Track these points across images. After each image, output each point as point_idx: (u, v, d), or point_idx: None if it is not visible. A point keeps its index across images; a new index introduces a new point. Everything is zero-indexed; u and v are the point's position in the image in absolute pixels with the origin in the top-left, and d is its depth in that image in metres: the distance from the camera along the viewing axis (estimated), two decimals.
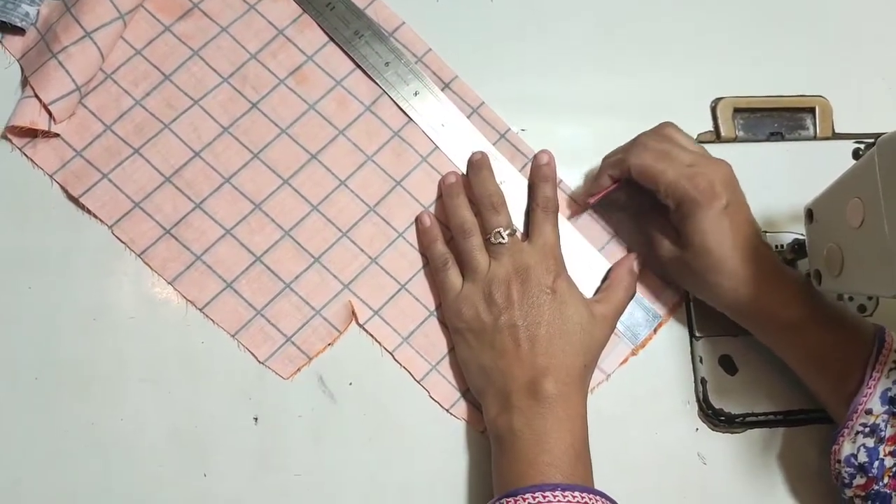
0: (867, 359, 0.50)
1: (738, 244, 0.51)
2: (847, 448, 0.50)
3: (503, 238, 0.54)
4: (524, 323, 0.51)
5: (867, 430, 0.49)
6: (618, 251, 0.59)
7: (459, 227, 0.55)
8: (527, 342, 0.51)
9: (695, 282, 0.54)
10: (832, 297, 0.56)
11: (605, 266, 0.59)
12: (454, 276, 0.55)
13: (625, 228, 0.60)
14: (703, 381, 0.58)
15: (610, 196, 0.57)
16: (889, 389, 0.49)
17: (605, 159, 0.58)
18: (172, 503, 0.53)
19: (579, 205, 0.60)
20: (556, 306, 0.52)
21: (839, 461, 0.50)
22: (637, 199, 0.57)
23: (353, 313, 0.56)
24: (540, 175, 0.57)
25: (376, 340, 0.56)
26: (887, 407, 0.49)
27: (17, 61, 0.58)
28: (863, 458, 0.49)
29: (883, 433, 0.49)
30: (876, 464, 0.48)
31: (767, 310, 0.52)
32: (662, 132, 0.55)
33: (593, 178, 0.57)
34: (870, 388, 0.50)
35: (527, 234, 0.57)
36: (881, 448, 0.48)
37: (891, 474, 0.48)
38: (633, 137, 0.56)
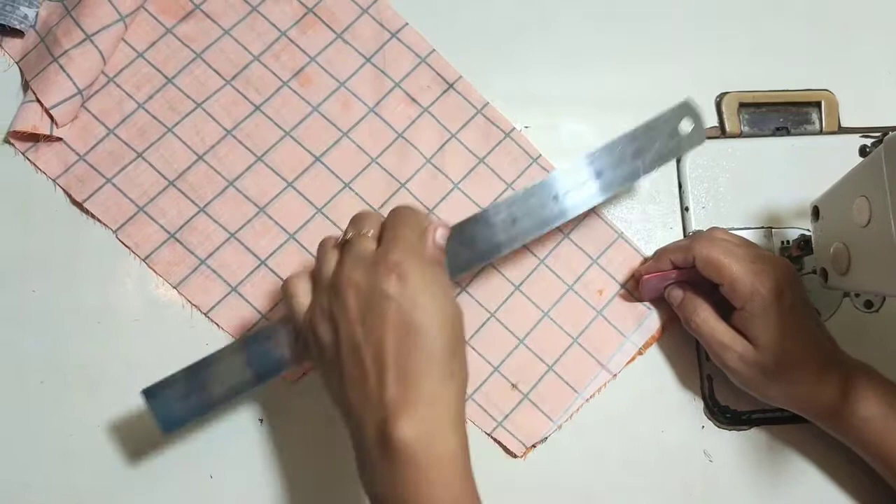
0: None
1: (809, 342, 0.51)
2: None
3: (349, 235, 0.45)
4: (365, 340, 0.41)
5: None
6: (616, 255, 0.59)
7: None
8: (373, 367, 0.40)
9: (767, 385, 0.52)
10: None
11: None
12: (301, 300, 0.46)
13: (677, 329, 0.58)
14: (709, 379, 0.58)
15: (666, 291, 0.57)
16: None
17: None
18: None
19: (634, 277, 0.59)
20: (402, 313, 0.41)
21: None
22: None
23: None
24: None
25: None
26: None
27: (17, 64, 0.57)
28: None
29: None
30: None
31: (844, 407, 0.51)
32: (717, 234, 0.54)
33: (653, 259, 0.57)
34: None
35: None
36: None
37: None
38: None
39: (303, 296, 0.46)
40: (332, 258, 0.45)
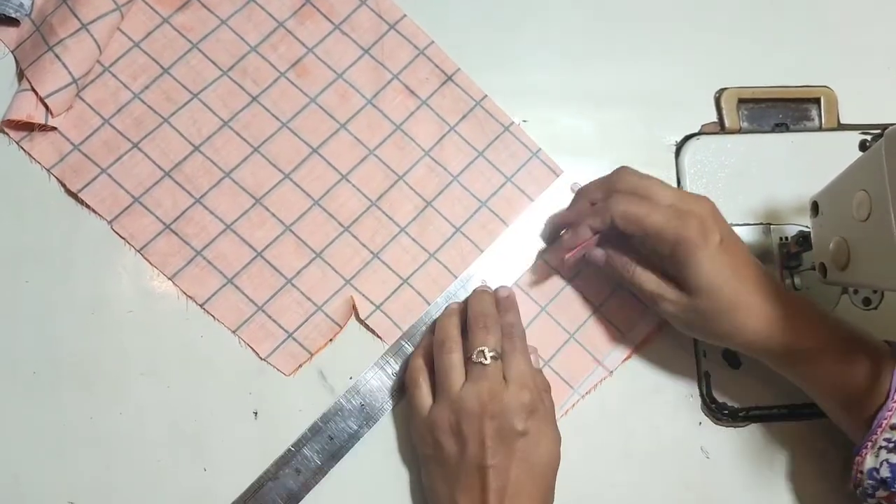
0: (885, 377, 0.49)
1: (745, 277, 0.50)
2: (870, 461, 0.49)
3: (485, 358, 0.50)
4: (493, 465, 0.48)
5: (892, 445, 0.48)
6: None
7: (440, 342, 0.52)
8: (495, 485, 0.48)
9: (708, 327, 0.52)
10: (841, 316, 0.55)
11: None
12: (423, 396, 0.52)
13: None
14: (707, 375, 0.58)
15: (587, 254, 0.54)
16: None
17: (577, 203, 0.56)
18: (172, 498, 0.53)
19: (553, 264, 0.57)
20: (527, 449, 0.49)
21: (861, 472, 0.49)
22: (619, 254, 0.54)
23: (354, 308, 0.56)
24: (502, 305, 0.55)
25: (377, 336, 0.56)
26: None
27: (12, 53, 0.57)
28: (885, 473, 0.48)
29: None
30: None
31: (785, 342, 0.51)
32: (626, 176, 0.53)
33: (570, 232, 0.54)
34: (895, 401, 0.49)
35: None
36: None
37: None
38: (605, 177, 0.54)
39: (426, 395, 0.52)
40: (460, 376, 0.51)
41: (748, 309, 0.50)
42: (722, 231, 0.50)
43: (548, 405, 0.52)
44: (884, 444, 0.49)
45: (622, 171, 0.53)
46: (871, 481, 0.49)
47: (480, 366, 0.50)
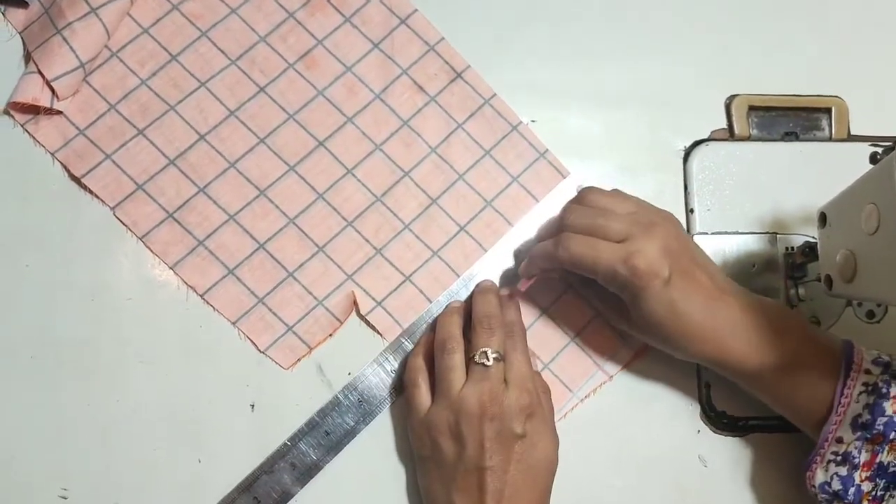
0: (830, 390, 0.50)
1: (696, 305, 0.50)
2: (820, 476, 0.50)
3: (488, 360, 0.50)
4: (491, 467, 0.48)
5: (839, 458, 0.49)
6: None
7: (441, 342, 0.52)
8: (492, 487, 0.48)
9: (659, 345, 0.53)
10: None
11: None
12: (422, 396, 0.52)
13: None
14: (707, 386, 0.57)
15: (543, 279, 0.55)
16: (859, 416, 0.48)
17: (543, 231, 0.57)
18: (165, 487, 0.53)
19: (511, 293, 0.56)
20: (525, 451, 0.50)
21: (814, 486, 0.50)
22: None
23: (355, 303, 0.55)
24: (504, 304, 0.55)
25: (377, 332, 0.56)
26: (860, 433, 0.48)
27: (19, 35, 0.57)
28: (836, 486, 0.49)
29: (857, 460, 0.48)
30: (851, 490, 0.48)
31: (732, 360, 0.51)
32: (586, 201, 0.52)
33: (524, 264, 0.54)
34: (839, 415, 0.49)
35: None
36: (856, 475, 0.48)
37: (870, 498, 0.48)
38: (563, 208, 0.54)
39: (425, 395, 0.52)
40: (461, 376, 0.51)
41: (702, 332, 0.50)
42: (673, 263, 0.49)
43: (546, 408, 0.52)
44: (832, 457, 0.49)
45: (576, 203, 0.53)
46: (824, 495, 0.49)
47: (483, 367, 0.50)
